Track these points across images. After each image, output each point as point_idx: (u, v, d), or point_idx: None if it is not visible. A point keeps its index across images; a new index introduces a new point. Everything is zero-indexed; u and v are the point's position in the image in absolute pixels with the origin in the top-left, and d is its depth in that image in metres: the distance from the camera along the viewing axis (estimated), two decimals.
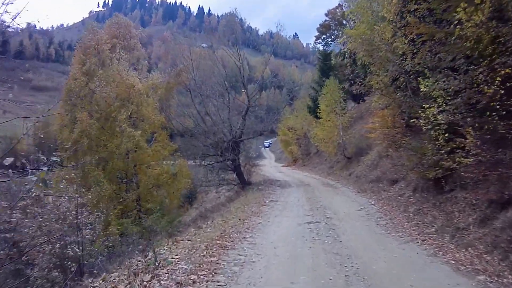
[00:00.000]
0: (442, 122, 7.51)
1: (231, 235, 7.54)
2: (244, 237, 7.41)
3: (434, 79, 7.94)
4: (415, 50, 9.08)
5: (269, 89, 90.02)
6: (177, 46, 18.96)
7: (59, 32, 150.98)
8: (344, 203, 11.59)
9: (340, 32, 30.09)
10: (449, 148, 7.82)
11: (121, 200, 16.89)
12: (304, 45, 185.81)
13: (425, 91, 8.26)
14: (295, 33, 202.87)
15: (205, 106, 17.11)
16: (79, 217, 7.21)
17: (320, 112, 23.16)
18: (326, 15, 39.68)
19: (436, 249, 6.27)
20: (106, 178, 16.94)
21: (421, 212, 8.71)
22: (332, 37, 39.51)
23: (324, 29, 40.39)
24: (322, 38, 41.13)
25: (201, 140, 16.44)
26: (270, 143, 69.22)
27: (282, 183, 18.73)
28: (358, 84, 15.93)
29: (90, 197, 16.45)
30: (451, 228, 7.09)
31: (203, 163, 17.79)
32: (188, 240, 7.51)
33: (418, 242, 6.79)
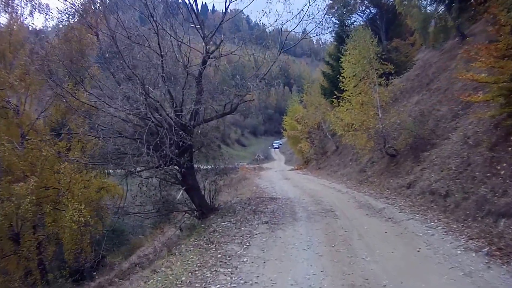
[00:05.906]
0: None
1: None
2: None
3: None
4: None
5: (278, 87, 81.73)
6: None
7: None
8: None
9: None
10: None
11: None
12: (314, 41, 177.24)
13: None
14: (304, 29, 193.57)
15: (124, 59, 8.52)
16: None
17: (343, 84, 14.27)
18: None
19: None
20: None
21: None
22: (348, 7, 32.42)
23: None
24: (335, 7, 33.81)
25: (104, 122, 7.68)
26: (280, 144, 63.95)
27: (280, 205, 9.95)
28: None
29: None
30: None
31: (129, 171, 9.10)
32: None
33: None
